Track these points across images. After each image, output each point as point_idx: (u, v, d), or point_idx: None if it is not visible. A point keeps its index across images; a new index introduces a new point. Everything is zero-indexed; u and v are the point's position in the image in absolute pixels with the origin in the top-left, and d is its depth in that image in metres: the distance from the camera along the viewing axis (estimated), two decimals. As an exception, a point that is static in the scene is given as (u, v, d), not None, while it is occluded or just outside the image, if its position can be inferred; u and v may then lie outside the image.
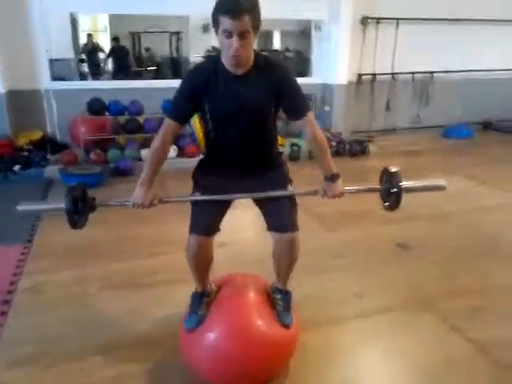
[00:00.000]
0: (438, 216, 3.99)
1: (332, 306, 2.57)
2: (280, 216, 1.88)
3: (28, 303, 2.58)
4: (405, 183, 1.94)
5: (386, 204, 2.04)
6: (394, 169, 1.97)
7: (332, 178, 1.86)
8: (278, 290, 2.08)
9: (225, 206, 1.94)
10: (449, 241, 3.48)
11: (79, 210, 1.84)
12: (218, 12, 1.59)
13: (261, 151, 1.93)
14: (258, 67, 1.75)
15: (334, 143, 6.23)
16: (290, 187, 1.98)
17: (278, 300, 2.05)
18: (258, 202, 1.97)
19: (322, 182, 1.90)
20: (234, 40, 1.58)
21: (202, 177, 1.97)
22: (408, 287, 2.79)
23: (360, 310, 2.55)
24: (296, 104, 1.81)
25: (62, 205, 1.78)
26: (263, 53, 1.89)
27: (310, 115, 1.82)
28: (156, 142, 1.83)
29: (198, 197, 1.91)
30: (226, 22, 1.56)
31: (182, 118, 1.83)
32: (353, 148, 6.17)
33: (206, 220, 1.86)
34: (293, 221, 1.90)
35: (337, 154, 6.04)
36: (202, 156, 2.05)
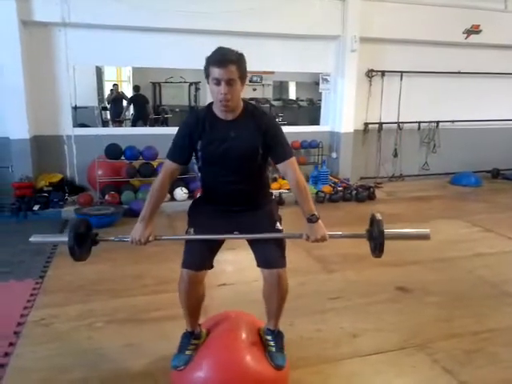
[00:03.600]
0: (439, 260, 4.03)
1: (327, 346, 2.63)
2: (268, 253, 2.00)
3: (36, 335, 2.71)
4: (388, 231, 1.98)
5: (372, 250, 2.08)
6: (378, 216, 2.02)
7: (312, 218, 1.96)
8: (270, 331, 2.15)
9: (216, 243, 2.07)
10: (448, 285, 3.52)
11: (81, 244, 2.01)
12: (208, 63, 1.85)
13: (249, 191, 2.06)
14: (246, 114, 1.96)
15: (340, 188, 6.40)
16: (278, 225, 2.10)
17: (270, 341, 2.11)
18: (248, 240, 2.09)
19: (305, 225, 1.99)
20: (222, 87, 1.81)
21: (195, 213, 2.13)
22: (404, 329, 2.83)
23: (355, 350, 2.60)
24: (280, 149, 1.99)
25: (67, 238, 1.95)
26: (251, 102, 2.11)
27: (293, 160, 2.00)
28: (156, 183, 2.03)
29: (190, 236, 2.05)
30: (214, 71, 1.82)
31: (180, 159, 2.03)
32: (359, 194, 6.30)
33: (197, 256, 1.98)
34: (280, 257, 2.01)
35: (343, 199, 6.19)
36: (198, 195, 2.22)
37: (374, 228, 2.01)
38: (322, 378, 2.34)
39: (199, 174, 2.15)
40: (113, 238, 2.18)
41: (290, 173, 1.99)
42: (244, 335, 2.09)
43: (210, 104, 1.99)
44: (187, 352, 2.05)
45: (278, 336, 2.15)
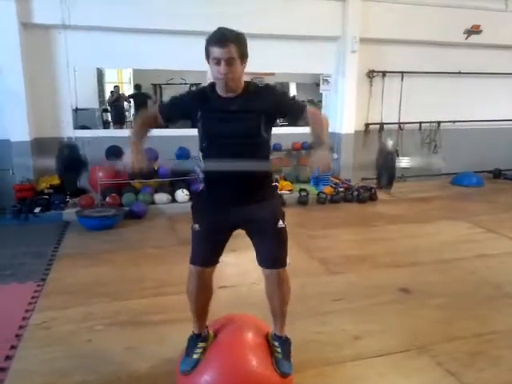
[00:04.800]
0: (442, 262, 4.01)
1: (330, 348, 2.61)
2: (269, 252, 1.99)
3: (37, 338, 2.70)
4: (400, 159, 1.99)
5: (382, 182, 2.08)
6: (389, 146, 2.01)
7: (319, 144, 1.90)
8: (277, 336, 2.13)
9: (222, 239, 2.05)
10: (451, 287, 3.50)
11: (70, 167, 2.01)
12: (208, 44, 1.86)
13: (254, 180, 1.98)
14: (248, 91, 1.95)
15: (342, 189, 6.39)
16: (281, 222, 2.03)
17: (277, 347, 2.10)
18: (250, 235, 2.06)
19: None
20: (222, 66, 1.82)
21: (199, 209, 2.08)
22: (406, 331, 2.82)
23: (357, 352, 2.58)
24: (291, 107, 2.01)
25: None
26: (251, 80, 2.07)
27: (309, 109, 1.97)
28: (142, 115, 2.17)
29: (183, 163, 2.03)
30: (214, 51, 1.82)
31: (166, 115, 2.06)
32: (361, 194, 6.28)
33: (205, 251, 1.99)
34: (281, 257, 2.00)
35: (345, 200, 6.17)
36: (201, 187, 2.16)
37: (385, 156, 2.01)
38: (324, 381, 2.33)
39: (201, 161, 2.07)
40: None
41: (311, 117, 1.96)
42: (251, 340, 2.07)
43: (214, 83, 1.98)
44: (195, 356, 2.04)
45: (285, 343, 2.13)
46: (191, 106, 1.98)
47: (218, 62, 1.83)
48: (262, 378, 1.96)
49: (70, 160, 1.99)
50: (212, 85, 1.98)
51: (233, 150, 1.90)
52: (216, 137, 1.95)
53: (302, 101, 2.19)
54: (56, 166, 1.98)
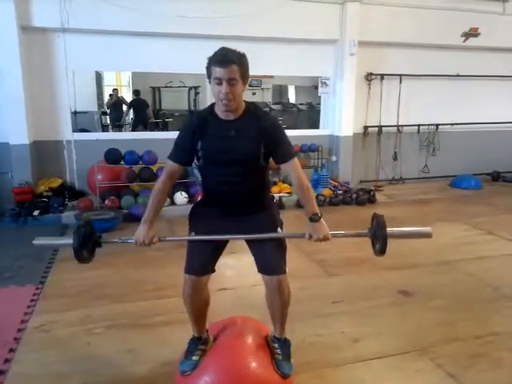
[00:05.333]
0: (441, 264, 4.02)
1: (329, 351, 2.61)
2: (268, 259, 1.99)
3: (36, 341, 2.70)
4: (390, 229, 1.98)
5: (375, 248, 2.07)
6: (380, 215, 2.03)
7: (314, 217, 1.94)
8: (276, 338, 2.15)
9: (218, 247, 2.06)
10: (450, 289, 3.50)
11: (85, 246, 2.01)
12: (210, 63, 1.86)
13: (250, 193, 2.03)
14: (247, 114, 1.96)
15: (340, 192, 6.40)
16: (279, 230, 2.08)
17: (276, 349, 2.11)
18: (249, 244, 2.08)
19: (308, 225, 1.98)
20: (223, 86, 1.82)
21: (196, 218, 2.11)
22: (406, 333, 2.82)
23: (357, 354, 2.58)
24: (283, 150, 1.98)
25: (71, 240, 1.96)
26: (253, 102, 2.08)
27: (295, 161, 1.98)
28: (157, 184, 2.03)
29: (193, 237, 2.04)
30: (216, 71, 1.82)
31: (181, 160, 2.02)
32: (359, 197, 6.29)
33: (199, 261, 1.98)
34: (280, 264, 2.00)
35: (343, 202, 6.18)
36: (199, 198, 2.21)
37: (377, 226, 2.00)
38: (323, 383, 2.32)
39: (200, 178, 2.13)
40: (117, 240, 2.17)
41: (292, 174, 1.98)
42: (251, 342, 2.08)
43: (213, 104, 1.99)
44: (194, 357, 2.05)
45: (284, 344, 2.15)
46: (193, 142, 1.97)
47: (219, 82, 1.83)
48: (262, 379, 1.96)
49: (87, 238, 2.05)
50: (211, 107, 1.99)
51: (232, 173, 1.95)
52: (214, 159, 1.97)
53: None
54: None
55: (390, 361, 2.52)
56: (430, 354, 2.57)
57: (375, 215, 2.06)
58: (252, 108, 1.99)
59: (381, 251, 2.00)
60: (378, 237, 1.99)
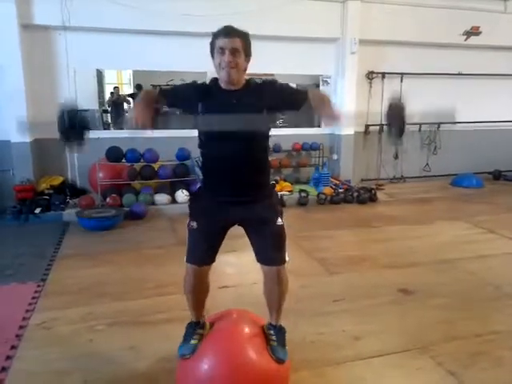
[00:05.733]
0: (442, 262, 4.01)
1: (329, 349, 2.61)
2: (268, 250, 2.01)
3: (38, 338, 2.70)
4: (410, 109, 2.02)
5: (392, 131, 2.10)
6: (398, 98, 2.06)
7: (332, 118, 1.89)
8: (272, 326, 2.18)
9: (218, 238, 2.06)
10: (451, 287, 3.50)
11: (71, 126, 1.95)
12: (214, 37, 1.91)
13: (251, 174, 2.00)
14: (249, 86, 2.00)
15: (342, 190, 6.40)
16: (279, 219, 2.05)
17: (272, 335, 2.13)
18: (248, 233, 2.08)
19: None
20: (226, 55, 1.86)
21: (196, 207, 2.09)
22: (407, 331, 2.82)
23: (357, 352, 2.58)
24: (295, 96, 2.02)
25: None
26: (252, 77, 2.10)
27: (310, 91, 1.96)
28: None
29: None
30: (220, 41, 1.88)
31: (171, 98, 2.06)
32: (361, 195, 6.29)
33: (202, 250, 2.00)
34: (280, 254, 2.03)
35: (344, 201, 6.18)
36: (198, 185, 2.19)
37: (395, 108, 2.05)
38: (324, 381, 2.33)
39: (201, 176, 2.13)
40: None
41: (313, 101, 1.92)
42: (247, 329, 2.11)
43: (216, 77, 2.00)
44: (193, 341, 2.07)
45: (279, 331, 2.17)
46: (194, 96, 1.98)
47: (222, 52, 1.87)
48: (258, 364, 1.99)
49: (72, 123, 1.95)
50: (214, 78, 2.01)
51: (233, 147, 1.91)
52: (214, 134, 1.95)
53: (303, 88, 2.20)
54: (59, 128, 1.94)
55: (390, 359, 2.53)
56: (430, 352, 2.57)
57: (392, 98, 2.09)
58: (253, 81, 2.04)
59: (399, 134, 2.05)
60: (396, 118, 2.04)
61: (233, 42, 1.86)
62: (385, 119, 2.08)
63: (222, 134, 1.90)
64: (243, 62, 1.92)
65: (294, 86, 2.07)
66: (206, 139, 2.00)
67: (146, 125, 1.82)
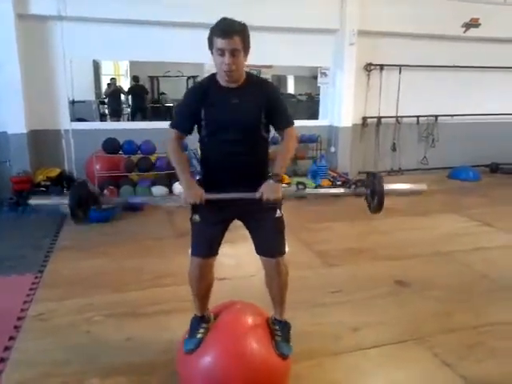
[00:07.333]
0: (438, 254, 4.03)
1: (327, 340, 2.63)
2: (268, 242, 2.03)
3: (36, 329, 2.71)
4: (387, 185, 2.09)
5: (372, 205, 2.16)
6: (377, 173, 2.14)
7: (273, 177, 1.93)
8: (277, 320, 2.19)
9: (222, 229, 2.07)
10: (447, 279, 3.52)
11: (82, 204, 2.04)
12: (212, 34, 1.87)
13: (251, 165, 2.02)
14: (249, 82, 1.98)
15: (339, 183, 6.40)
16: (278, 212, 2.07)
17: (277, 331, 2.14)
18: (248, 225, 2.10)
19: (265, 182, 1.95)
20: (226, 57, 1.84)
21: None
22: (403, 322, 2.84)
23: (355, 343, 2.60)
24: (282, 116, 2.04)
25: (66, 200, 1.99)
26: (251, 72, 2.11)
27: (293, 128, 2.04)
28: (172, 145, 2.02)
29: (210, 196, 1.95)
30: (219, 42, 1.84)
31: (183, 128, 2.04)
32: (358, 188, 6.26)
33: (206, 242, 2.02)
34: (279, 246, 2.04)
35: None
36: (197, 178, 2.19)
37: (374, 182, 2.09)
38: (322, 372, 2.35)
39: (198, 168, 2.12)
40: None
41: (285, 138, 2.04)
42: (252, 321, 2.12)
43: (214, 74, 2.00)
44: (198, 335, 2.08)
45: (284, 326, 2.18)
46: (196, 108, 1.97)
47: (222, 53, 1.84)
48: (262, 359, 1.99)
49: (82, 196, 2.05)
50: (212, 76, 2.00)
51: (232, 142, 1.95)
52: (216, 127, 1.98)
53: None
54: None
55: (387, 349, 2.55)
56: (426, 343, 2.59)
57: (371, 173, 2.18)
58: (253, 76, 2.04)
59: (378, 207, 2.09)
60: (376, 192, 2.09)
61: (232, 42, 1.82)
62: (367, 186, 2.15)
63: (222, 126, 1.95)
64: (243, 59, 1.91)
65: (287, 108, 2.07)
66: (206, 133, 2.01)
67: (196, 202, 1.90)
